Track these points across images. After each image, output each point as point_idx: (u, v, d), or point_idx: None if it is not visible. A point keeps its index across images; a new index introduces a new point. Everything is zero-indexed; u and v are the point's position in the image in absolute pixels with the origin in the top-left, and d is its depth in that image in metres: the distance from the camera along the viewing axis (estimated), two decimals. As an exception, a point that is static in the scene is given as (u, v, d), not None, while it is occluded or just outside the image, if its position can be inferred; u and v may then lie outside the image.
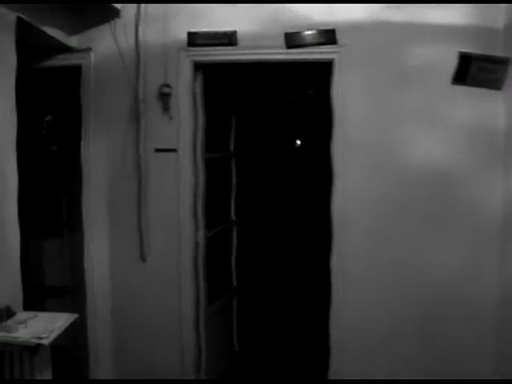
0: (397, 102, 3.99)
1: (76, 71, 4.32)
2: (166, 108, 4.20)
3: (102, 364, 4.46)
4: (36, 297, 4.98)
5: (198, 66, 4.30)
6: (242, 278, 5.66)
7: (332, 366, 4.23)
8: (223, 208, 5.22)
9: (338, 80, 4.03)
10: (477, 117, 3.91)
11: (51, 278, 5.14)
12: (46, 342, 2.74)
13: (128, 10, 4.16)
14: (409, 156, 4.00)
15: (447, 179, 3.96)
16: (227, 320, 5.33)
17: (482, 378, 3.91)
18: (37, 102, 5.08)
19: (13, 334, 2.78)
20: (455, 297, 4.00)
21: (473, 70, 3.86)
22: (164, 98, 4.18)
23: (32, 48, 4.11)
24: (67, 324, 3.03)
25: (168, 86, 4.16)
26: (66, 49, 4.22)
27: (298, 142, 8.41)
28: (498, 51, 3.82)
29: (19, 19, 3.31)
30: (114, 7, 4.05)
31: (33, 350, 2.76)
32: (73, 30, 4.21)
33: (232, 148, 5.37)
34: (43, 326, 2.90)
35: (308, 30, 4.00)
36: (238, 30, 4.09)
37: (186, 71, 4.21)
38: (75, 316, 3.16)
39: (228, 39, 4.10)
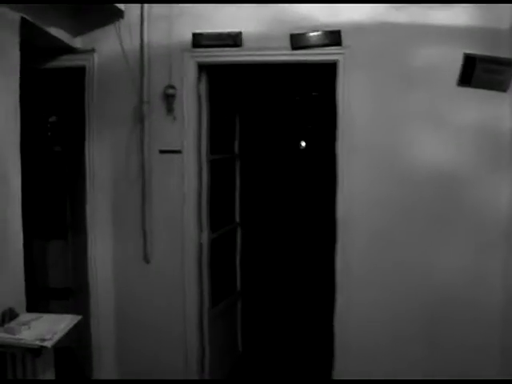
0: (401, 103, 3.98)
1: (80, 72, 4.30)
2: (170, 109, 4.18)
3: (105, 365, 4.45)
4: (39, 298, 4.96)
5: (203, 67, 4.28)
6: (247, 279, 5.64)
7: (336, 366, 4.22)
8: (227, 210, 5.20)
9: (342, 81, 4.01)
10: (482, 119, 3.89)
11: (55, 279, 5.13)
12: (49, 344, 2.72)
13: (132, 11, 4.14)
14: (414, 157, 3.99)
15: (452, 181, 3.95)
16: (231, 321, 5.32)
17: (487, 379, 3.91)
18: (41, 103, 5.07)
19: (16, 336, 2.76)
20: (460, 298, 3.98)
21: (478, 72, 3.84)
22: (168, 99, 4.17)
23: (36, 49, 4.10)
24: (70, 326, 3.01)
25: (172, 87, 4.14)
26: (70, 50, 4.20)
27: (303, 144, 8.39)
28: (503, 52, 3.81)
29: (23, 19, 3.30)
30: (118, 8, 4.04)
31: (36, 352, 2.74)
32: (77, 31, 4.20)
33: (236, 149, 5.34)
34: (46, 328, 2.89)
35: (313, 31, 3.98)
36: (242, 31, 4.07)
37: (191, 72, 4.20)
38: (79, 318, 3.15)
39: (233, 40, 4.09)
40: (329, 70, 4.08)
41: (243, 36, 4.08)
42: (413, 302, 4.05)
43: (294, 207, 8.18)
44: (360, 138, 4.01)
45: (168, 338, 4.38)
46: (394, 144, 4.01)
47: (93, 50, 4.24)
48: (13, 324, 2.89)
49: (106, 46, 4.23)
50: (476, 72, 3.84)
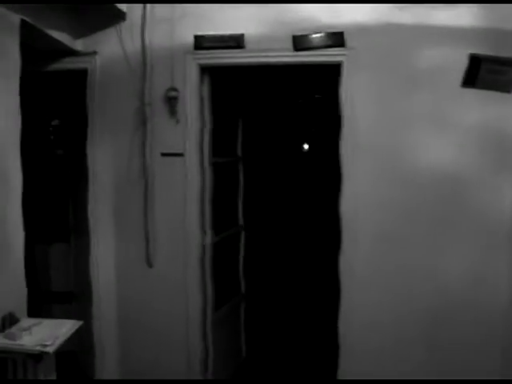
0: (405, 104, 3.95)
1: (82, 75, 4.29)
2: (172, 112, 4.16)
3: (108, 369, 4.43)
4: (42, 302, 4.95)
5: (205, 70, 4.27)
6: (250, 282, 5.61)
7: (341, 367, 4.20)
8: (231, 213, 5.17)
9: (346, 83, 3.99)
10: (486, 120, 3.87)
11: (57, 283, 5.10)
12: (50, 349, 2.70)
13: (134, 13, 4.13)
14: (417, 159, 3.97)
15: (456, 183, 3.93)
16: (235, 325, 5.29)
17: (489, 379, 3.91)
18: (43, 106, 5.05)
19: (17, 342, 2.73)
20: (463, 300, 3.96)
21: (483, 73, 3.81)
22: (170, 101, 4.15)
23: (38, 51, 4.09)
24: (72, 331, 2.99)
25: (175, 89, 4.13)
26: (72, 52, 4.18)
27: (306, 147, 8.37)
28: (508, 53, 3.78)
29: (23, 21, 3.29)
30: (120, 10, 4.02)
31: (37, 357, 2.72)
32: (78, 34, 4.18)
33: (239, 152, 5.32)
34: (48, 333, 2.86)
35: (316, 32, 3.96)
36: (245, 32, 4.05)
37: (193, 74, 4.18)
38: (80, 323, 3.11)
39: (235, 42, 4.07)
40: (332, 72, 4.05)
41: (245, 38, 4.05)
42: (416, 303, 4.03)
43: (297, 210, 8.15)
44: (364, 140, 3.99)
45: (171, 342, 4.36)
46: (398, 146, 3.98)
47: (94, 53, 4.22)
48: (13, 329, 2.86)
49: (108, 49, 4.21)
50: (481, 73, 3.82)
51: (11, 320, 2.99)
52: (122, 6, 4.05)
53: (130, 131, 4.25)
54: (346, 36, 3.94)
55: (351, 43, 3.93)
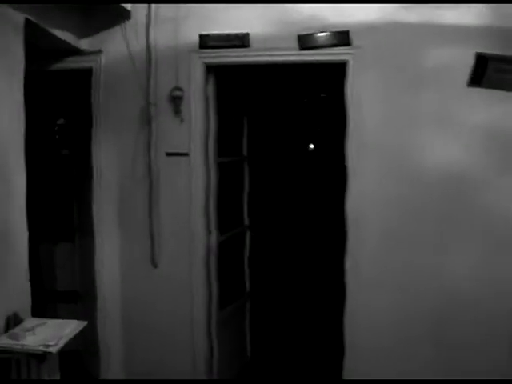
0: (411, 103, 3.93)
1: (86, 74, 4.28)
2: (177, 111, 4.15)
3: (112, 369, 4.42)
4: (47, 302, 4.96)
5: (210, 69, 4.25)
6: (256, 281, 5.60)
7: (346, 366, 4.19)
8: (236, 212, 5.16)
9: (351, 82, 3.97)
10: (492, 119, 3.85)
11: (62, 282, 5.10)
12: (53, 349, 2.69)
13: (138, 12, 4.12)
14: (423, 158, 3.95)
15: (462, 182, 3.91)
16: (239, 325, 5.28)
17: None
18: (48, 105, 5.06)
19: (20, 342, 2.73)
20: (469, 299, 3.94)
21: (489, 72, 3.79)
22: (175, 101, 4.14)
23: (42, 51, 4.09)
24: (76, 331, 2.98)
25: (179, 88, 4.12)
26: (76, 51, 4.17)
27: (312, 146, 8.35)
28: (515, 52, 3.76)
29: (27, 20, 3.28)
30: (125, 9, 4.01)
31: (40, 357, 2.71)
32: (83, 33, 4.17)
33: (245, 152, 5.30)
34: (51, 334, 2.86)
35: (321, 31, 3.95)
36: (250, 31, 4.03)
37: (198, 74, 4.16)
38: (84, 323, 3.11)
39: (240, 41, 4.05)
40: (337, 71, 4.04)
41: (251, 37, 4.04)
42: (422, 302, 4.02)
43: (303, 209, 8.13)
44: (370, 139, 3.97)
45: (175, 342, 4.35)
46: (404, 145, 3.97)
47: (99, 52, 4.21)
48: (17, 329, 2.86)
49: (113, 48, 4.20)
50: (487, 72, 3.79)
51: (15, 320, 2.99)
52: (127, 5, 4.03)
53: (134, 131, 4.24)
54: (351, 35, 3.92)
55: (357, 42, 3.92)
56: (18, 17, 3.22)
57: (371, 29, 3.90)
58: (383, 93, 3.95)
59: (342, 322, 4.17)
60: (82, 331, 3.06)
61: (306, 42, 3.97)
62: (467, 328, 3.96)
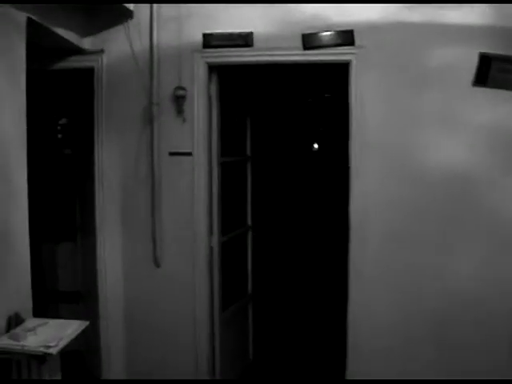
0: (415, 103, 3.93)
1: (89, 73, 4.28)
2: (180, 111, 4.14)
3: (114, 369, 4.41)
4: (49, 302, 4.95)
5: (213, 68, 4.24)
6: (258, 282, 5.58)
7: (349, 367, 4.18)
8: (239, 212, 5.14)
9: (355, 81, 3.96)
10: (497, 119, 3.84)
11: (64, 283, 5.10)
12: (54, 350, 2.67)
13: (141, 12, 4.11)
14: (427, 158, 3.94)
15: (466, 182, 3.90)
16: (242, 326, 5.26)
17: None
18: (51, 104, 5.05)
19: (21, 343, 2.71)
20: (472, 300, 3.93)
21: (493, 72, 3.79)
22: (178, 100, 4.12)
23: (45, 50, 4.09)
24: (77, 332, 2.96)
25: (182, 88, 4.10)
26: (79, 51, 4.17)
27: (316, 146, 8.34)
28: (519, 52, 3.75)
29: (29, 20, 3.27)
30: (127, 8, 4.00)
31: (40, 358, 2.69)
32: (85, 32, 4.17)
33: (248, 151, 5.28)
34: (52, 334, 2.84)
35: (325, 31, 3.94)
36: (253, 31, 4.03)
37: (201, 73, 4.15)
38: (86, 323, 3.09)
39: (243, 40, 4.04)
40: (341, 71, 4.03)
41: (254, 36, 4.03)
42: (425, 303, 4.01)
43: (306, 209, 8.11)
44: (373, 139, 3.96)
45: (178, 342, 4.34)
46: (408, 145, 3.96)
47: (101, 51, 4.20)
48: (18, 330, 2.84)
49: (115, 47, 4.19)
50: (491, 72, 3.79)
51: (17, 320, 2.98)
52: (129, 5, 4.03)
53: (137, 130, 4.24)
54: (355, 34, 3.91)
55: (360, 42, 3.90)
56: (20, 16, 3.21)
57: (374, 28, 3.89)
58: (386, 93, 3.94)
59: (345, 323, 4.16)
60: (83, 331, 3.04)
61: (309, 41, 3.95)
62: (470, 328, 3.95)
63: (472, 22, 3.79)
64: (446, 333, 3.99)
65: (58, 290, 5.10)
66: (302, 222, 8.09)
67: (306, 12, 3.94)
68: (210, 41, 4.07)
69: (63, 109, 5.11)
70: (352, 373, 4.16)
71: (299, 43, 3.97)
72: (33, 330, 2.85)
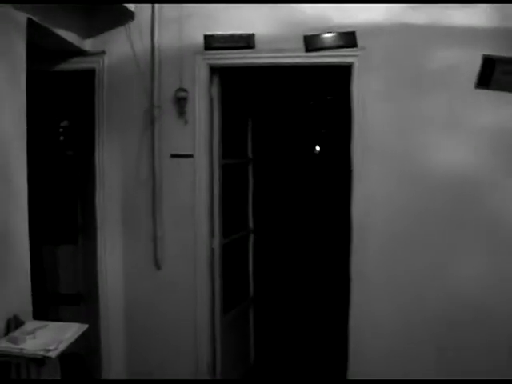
0: (418, 106, 3.91)
1: (90, 75, 4.27)
2: (181, 112, 4.13)
3: (114, 372, 4.39)
4: (50, 304, 4.93)
5: (215, 70, 4.23)
6: (260, 285, 5.56)
7: (350, 371, 4.16)
8: (240, 215, 5.12)
9: (357, 84, 3.95)
10: (500, 121, 3.82)
11: (65, 285, 5.08)
12: (53, 354, 2.65)
13: (143, 13, 4.10)
14: (429, 161, 3.93)
15: (469, 184, 3.88)
16: (243, 329, 5.24)
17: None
18: (53, 106, 5.04)
19: (19, 346, 2.68)
20: (476, 304, 3.91)
21: (497, 74, 3.77)
22: (180, 102, 4.11)
23: (46, 52, 4.07)
24: (77, 335, 2.94)
25: (184, 90, 4.09)
26: (80, 52, 4.16)
27: (318, 148, 8.31)
28: (523, 54, 3.73)
29: (30, 20, 3.26)
30: (129, 9, 3.99)
31: (40, 361, 2.67)
32: (87, 33, 4.16)
33: (250, 154, 5.26)
34: (52, 337, 2.81)
35: (327, 32, 3.92)
36: (255, 32, 4.01)
37: (203, 75, 4.14)
38: (85, 326, 3.07)
39: (245, 42, 4.03)
40: (344, 73, 4.01)
41: (256, 38, 4.02)
42: (427, 306, 3.99)
43: (308, 212, 8.09)
44: (375, 142, 3.95)
45: (178, 345, 4.32)
46: (410, 147, 3.94)
47: (103, 53, 4.19)
48: (17, 333, 2.82)
49: (116, 49, 4.18)
50: (495, 74, 3.77)
51: (16, 323, 2.95)
52: (130, 6, 4.01)
53: (138, 132, 4.22)
54: (357, 36, 3.90)
55: (363, 43, 3.89)
56: (21, 16, 3.20)
57: (376, 30, 3.88)
58: (389, 95, 3.92)
59: (346, 325, 4.15)
60: (84, 334, 3.03)
61: (312, 43, 3.94)
62: (471, 330, 3.93)
63: (476, 23, 3.78)
64: (447, 334, 3.97)
65: (59, 291, 5.07)
66: (304, 225, 8.06)
67: (307, 13, 3.93)
68: (212, 42, 4.06)
69: (65, 110, 5.09)
70: (353, 373, 4.14)
71: (301, 45, 3.95)
72: (32, 332, 2.83)
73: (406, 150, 3.93)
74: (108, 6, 3.89)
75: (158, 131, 4.16)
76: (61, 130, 5.19)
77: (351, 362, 4.15)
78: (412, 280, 3.99)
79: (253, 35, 4.01)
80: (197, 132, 4.16)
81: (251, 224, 5.30)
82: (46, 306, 4.83)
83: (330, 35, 3.92)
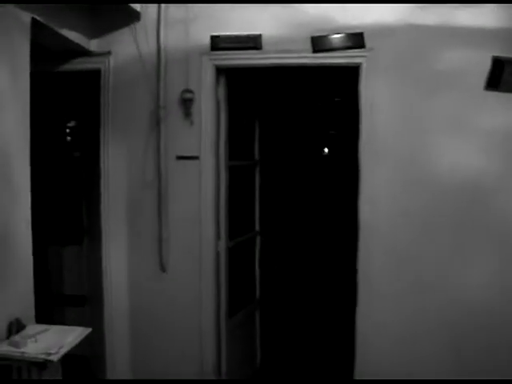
0: (426, 107, 3.87)
1: (95, 75, 4.25)
2: (187, 114, 4.10)
3: (119, 374, 4.37)
4: (55, 305, 4.93)
5: (221, 71, 4.20)
6: (266, 288, 5.53)
7: (356, 369, 4.13)
8: (247, 217, 5.10)
9: (365, 85, 3.91)
10: (510, 124, 3.78)
11: (70, 286, 5.08)
12: (54, 358, 2.63)
13: (148, 13, 4.08)
14: (438, 165, 3.89)
15: (478, 189, 3.84)
16: (249, 332, 5.21)
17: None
18: (60, 107, 5.04)
19: (21, 349, 2.68)
20: (484, 312, 3.86)
21: (506, 75, 3.74)
22: (186, 103, 4.08)
23: (52, 52, 4.07)
24: (79, 339, 2.93)
25: (190, 91, 4.06)
26: (85, 52, 4.14)
27: (326, 150, 8.28)
28: (532, 55, 3.70)
29: (34, 20, 3.24)
30: (134, 10, 3.97)
31: (41, 365, 2.65)
32: (92, 34, 4.14)
33: (256, 155, 5.23)
34: (53, 341, 2.81)
35: (335, 33, 3.89)
36: (262, 33, 3.99)
37: (209, 76, 4.11)
38: (88, 330, 3.05)
39: (252, 43, 4.00)
40: (351, 74, 3.98)
41: (263, 38, 3.99)
42: (434, 313, 3.96)
43: (315, 215, 8.06)
44: (383, 144, 3.92)
45: (183, 348, 4.29)
46: (418, 150, 3.91)
47: (108, 53, 4.17)
48: (18, 337, 2.81)
49: (122, 49, 4.16)
50: (504, 75, 3.74)
51: (18, 326, 2.94)
52: (136, 6, 3.99)
53: (144, 133, 4.20)
54: (365, 37, 3.86)
55: (371, 44, 3.85)
56: (25, 16, 3.18)
57: (385, 30, 3.84)
58: (397, 96, 3.89)
59: (353, 327, 4.12)
60: (88, 336, 3.02)
61: (319, 44, 3.90)
62: (480, 338, 3.89)
63: (485, 24, 3.74)
64: (455, 341, 3.93)
65: (64, 293, 5.07)
66: (311, 227, 8.03)
67: (315, 14, 3.89)
68: (218, 43, 4.03)
69: (72, 111, 5.09)
70: (360, 373, 4.11)
71: (308, 46, 3.92)
72: (33, 336, 2.82)
73: (413, 152, 3.90)
74: (113, 6, 3.86)
75: (164, 132, 4.13)
76: (68, 130, 5.18)
77: (357, 362, 4.11)
78: (421, 288, 3.95)
79: (259, 36, 3.97)
80: (203, 133, 4.13)
81: (258, 226, 5.26)
82: (51, 307, 4.83)
83: (337, 36, 3.89)
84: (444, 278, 3.91)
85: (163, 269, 4.23)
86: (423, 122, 3.87)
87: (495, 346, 3.86)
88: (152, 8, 4.06)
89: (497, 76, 3.73)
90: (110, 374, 4.37)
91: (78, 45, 3.96)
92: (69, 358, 2.87)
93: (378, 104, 3.88)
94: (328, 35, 3.89)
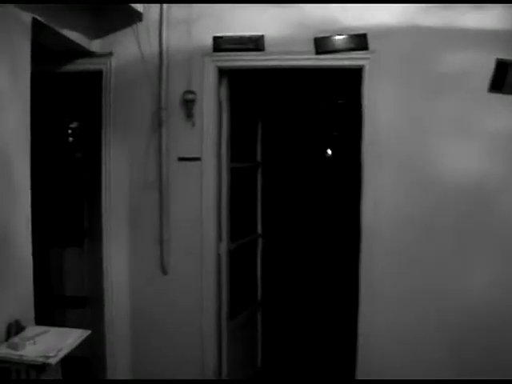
0: (429, 109, 3.86)
1: (97, 76, 4.24)
2: (189, 115, 4.09)
3: (119, 376, 4.35)
4: (56, 307, 4.91)
5: (223, 72, 4.19)
6: (268, 290, 5.51)
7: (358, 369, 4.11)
8: (249, 220, 5.08)
9: (368, 87, 3.90)
10: (514, 126, 3.76)
11: (71, 287, 5.07)
12: (53, 361, 2.61)
13: (151, 14, 4.07)
14: (442, 168, 3.87)
15: (482, 192, 3.82)
16: (250, 334, 5.20)
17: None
18: (62, 108, 5.03)
19: (19, 352, 2.65)
20: (485, 314, 3.85)
21: (510, 78, 3.73)
22: (188, 104, 4.07)
23: (53, 53, 4.06)
24: (78, 341, 2.91)
25: (192, 92, 4.05)
26: (87, 53, 4.13)
27: (329, 152, 8.25)
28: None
29: (35, 20, 3.23)
30: (136, 10, 3.96)
31: (39, 368, 2.63)
32: (94, 34, 4.13)
33: (259, 157, 5.21)
34: (52, 344, 2.78)
35: (338, 34, 3.88)
36: (264, 34, 3.98)
37: (211, 77, 4.10)
38: (88, 332, 3.03)
39: (255, 44, 3.98)
40: (354, 76, 3.96)
41: (265, 40, 3.97)
42: (438, 318, 3.95)
43: (317, 217, 8.04)
44: (386, 147, 3.90)
45: (184, 350, 4.28)
46: (422, 153, 3.89)
47: (110, 54, 4.16)
48: (17, 339, 2.78)
49: (124, 50, 4.15)
50: (508, 78, 3.73)
51: (17, 328, 2.92)
52: (138, 7, 3.98)
53: (145, 134, 4.19)
54: (368, 38, 3.85)
55: (374, 46, 3.84)
56: (25, 16, 3.16)
57: (388, 32, 3.83)
58: (400, 99, 3.87)
59: (355, 331, 4.10)
60: (89, 338, 3.00)
61: (322, 45, 3.89)
62: (482, 341, 3.87)
63: (489, 26, 3.73)
64: (455, 342, 3.92)
65: (65, 294, 5.06)
66: (313, 230, 8.01)
67: (317, 15, 3.88)
68: (221, 44, 4.02)
69: (74, 112, 5.08)
70: (362, 372, 4.09)
71: (311, 47, 3.91)
72: (32, 339, 2.80)
73: (416, 154, 3.88)
74: (115, 6, 3.85)
75: (166, 134, 4.12)
76: (70, 131, 5.17)
77: (359, 363, 4.09)
78: (423, 292, 3.94)
79: (262, 37, 3.96)
80: (204, 135, 4.12)
81: (260, 228, 5.25)
82: (53, 308, 4.82)
83: (340, 37, 3.87)
84: (445, 279, 3.89)
85: (164, 270, 4.22)
86: (426, 124, 3.85)
87: (495, 347, 3.84)
88: (154, 8, 4.04)
89: (500, 78, 3.72)
90: (111, 376, 4.36)
91: (79, 45, 3.95)
92: (69, 360, 2.86)
93: (381, 106, 3.87)
94: (331, 36, 3.88)
